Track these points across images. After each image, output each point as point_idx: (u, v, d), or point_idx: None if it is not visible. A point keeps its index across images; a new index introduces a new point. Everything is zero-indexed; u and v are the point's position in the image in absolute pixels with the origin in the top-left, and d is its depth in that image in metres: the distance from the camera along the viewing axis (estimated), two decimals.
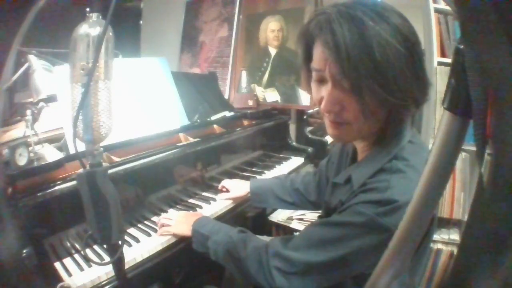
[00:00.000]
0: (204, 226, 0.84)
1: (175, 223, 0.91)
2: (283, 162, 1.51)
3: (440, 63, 1.45)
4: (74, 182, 0.81)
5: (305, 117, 1.82)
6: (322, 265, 0.63)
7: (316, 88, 0.62)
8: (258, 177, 1.34)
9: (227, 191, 1.15)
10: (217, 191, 1.18)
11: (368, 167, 0.64)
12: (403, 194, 0.56)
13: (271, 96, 1.78)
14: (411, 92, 0.56)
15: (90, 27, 0.50)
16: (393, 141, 0.63)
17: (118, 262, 0.59)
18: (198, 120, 1.35)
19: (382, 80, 0.53)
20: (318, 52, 0.59)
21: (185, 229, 0.87)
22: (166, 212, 1.05)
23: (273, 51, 1.78)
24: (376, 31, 0.52)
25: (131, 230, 0.95)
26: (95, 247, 0.86)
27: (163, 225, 0.92)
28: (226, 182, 1.17)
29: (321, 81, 0.61)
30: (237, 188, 1.13)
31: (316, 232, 0.66)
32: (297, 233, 0.72)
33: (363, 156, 0.70)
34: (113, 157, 0.99)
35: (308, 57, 0.63)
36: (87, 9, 0.50)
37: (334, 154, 0.90)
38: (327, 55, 0.56)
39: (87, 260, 0.79)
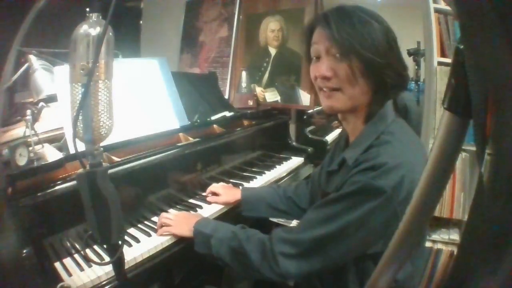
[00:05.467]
0: (205, 226, 0.84)
1: (175, 223, 0.91)
2: (283, 162, 1.51)
3: (440, 63, 1.45)
4: (74, 182, 0.81)
5: (305, 117, 1.82)
6: (326, 239, 0.66)
7: (314, 66, 0.74)
8: (258, 177, 1.34)
9: (217, 195, 1.12)
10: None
11: (359, 146, 0.71)
12: (391, 158, 0.63)
13: (271, 96, 1.78)
14: (390, 59, 0.68)
15: (90, 27, 0.50)
16: (379, 121, 0.71)
17: (118, 262, 0.59)
18: (198, 120, 1.35)
19: (364, 44, 0.66)
20: (316, 34, 0.74)
21: (186, 230, 0.87)
22: (166, 211, 1.05)
23: (273, 51, 1.78)
24: (357, 14, 0.68)
25: (131, 230, 0.95)
26: (95, 247, 0.85)
27: (162, 225, 0.92)
28: (214, 188, 1.13)
29: (318, 57, 0.73)
30: (227, 193, 1.10)
31: (317, 212, 0.70)
32: (300, 221, 0.75)
33: (353, 138, 0.76)
34: (113, 157, 0.99)
35: (310, 46, 0.75)
36: (87, 9, 0.50)
37: (326, 162, 0.93)
38: (322, 33, 0.71)
39: (87, 260, 0.79)
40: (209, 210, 1.07)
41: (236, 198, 1.08)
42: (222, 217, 1.07)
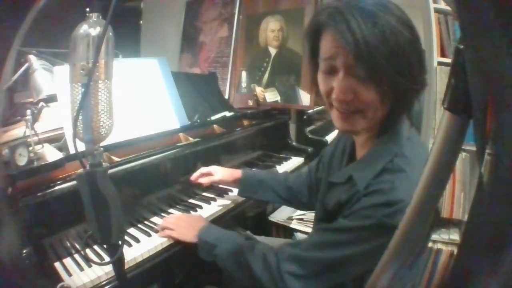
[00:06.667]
0: (210, 235, 0.83)
1: (178, 228, 0.89)
2: (283, 162, 1.51)
3: (440, 63, 1.45)
4: (74, 182, 0.81)
5: (305, 117, 1.82)
6: (334, 264, 0.64)
7: (325, 79, 0.63)
8: None
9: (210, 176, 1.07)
10: (217, 191, 1.17)
11: (370, 167, 0.64)
12: (407, 193, 0.57)
13: (271, 96, 1.78)
14: (418, 73, 0.59)
15: (90, 27, 0.50)
16: (393, 138, 0.65)
17: (118, 262, 0.59)
18: (198, 120, 1.35)
19: (397, 65, 0.55)
20: (329, 42, 0.60)
21: (189, 236, 0.85)
22: (166, 211, 1.05)
23: (273, 51, 1.78)
24: (386, 21, 0.55)
25: (131, 230, 0.95)
26: (95, 247, 0.85)
27: (165, 228, 0.91)
28: (206, 168, 1.09)
29: (331, 72, 0.61)
30: (223, 171, 1.07)
31: (326, 237, 0.67)
32: (306, 238, 0.72)
33: (362, 153, 0.70)
34: (113, 157, 0.99)
35: (315, 49, 0.64)
36: (87, 9, 0.50)
37: (325, 156, 0.91)
38: (342, 44, 0.56)
39: (87, 260, 0.79)
40: (209, 210, 1.07)
41: (235, 176, 1.06)
42: (222, 216, 1.07)
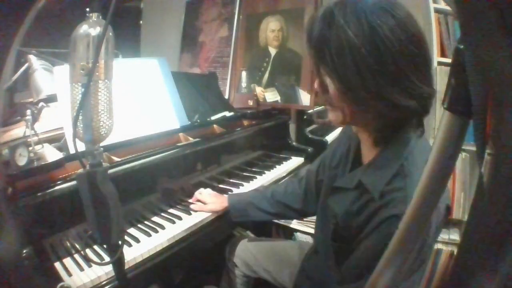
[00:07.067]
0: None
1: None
2: (283, 162, 1.51)
3: (440, 63, 1.45)
4: (74, 182, 0.81)
5: (305, 117, 1.82)
6: None
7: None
8: (258, 177, 1.34)
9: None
10: (217, 191, 1.17)
11: (381, 173, 0.63)
12: None
13: (271, 96, 1.78)
14: (381, 94, 0.57)
15: (90, 27, 0.50)
16: (401, 142, 0.64)
17: (118, 262, 0.59)
18: (198, 120, 1.35)
19: (340, 74, 0.58)
20: None
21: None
22: (166, 211, 1.05)
23: (273, 51, 1.78)
24: (340, 31, 0.56)
25: (131, 230, 0.95)
26: (95, 247, 0.86)
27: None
28: (201, 196, 1.09)
29: None
30: (214, 202, 1.06)
31: (362, 266, 0.65)
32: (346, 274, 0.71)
33: (369, 156, 0.69)
34: (113, 157, 0.99)
35: None
36: (87, 9, 0.50)
37: (326, 157, 0.90)
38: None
39: (87, 260, 0.79)
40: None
41: (224, 205, 1.05)
42: (222, 216, 1.07)
